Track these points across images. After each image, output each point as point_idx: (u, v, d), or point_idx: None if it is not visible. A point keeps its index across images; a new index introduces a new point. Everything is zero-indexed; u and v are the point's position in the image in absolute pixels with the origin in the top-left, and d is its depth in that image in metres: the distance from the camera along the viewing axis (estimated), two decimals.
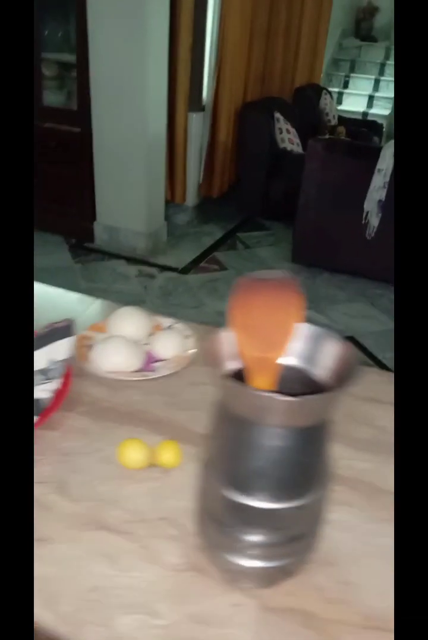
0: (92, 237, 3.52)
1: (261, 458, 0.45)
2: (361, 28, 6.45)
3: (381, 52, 6.29)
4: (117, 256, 3.38)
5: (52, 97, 3.37)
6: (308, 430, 0.44)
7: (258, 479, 0.46)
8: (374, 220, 3.09)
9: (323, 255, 3.39)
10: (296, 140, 4.29)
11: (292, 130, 4.33)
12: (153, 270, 3.26)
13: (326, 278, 3.34)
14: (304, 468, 0.46)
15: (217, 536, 0.51)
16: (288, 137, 4.22)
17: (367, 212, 3.09)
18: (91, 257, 3.35)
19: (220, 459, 0.49)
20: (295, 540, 0.49)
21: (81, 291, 2.99)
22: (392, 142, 3.02)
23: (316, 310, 2.95)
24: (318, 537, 0.53)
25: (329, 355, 0.49)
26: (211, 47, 3.70)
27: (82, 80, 3.14)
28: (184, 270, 3.29)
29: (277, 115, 4.21)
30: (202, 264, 3.41)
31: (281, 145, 4.17)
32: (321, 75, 5.88)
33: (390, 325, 2.88)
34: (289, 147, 4.17)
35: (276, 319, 0.48)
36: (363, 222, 3.12)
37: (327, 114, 5.30)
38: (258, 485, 0.46)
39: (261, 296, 0.49)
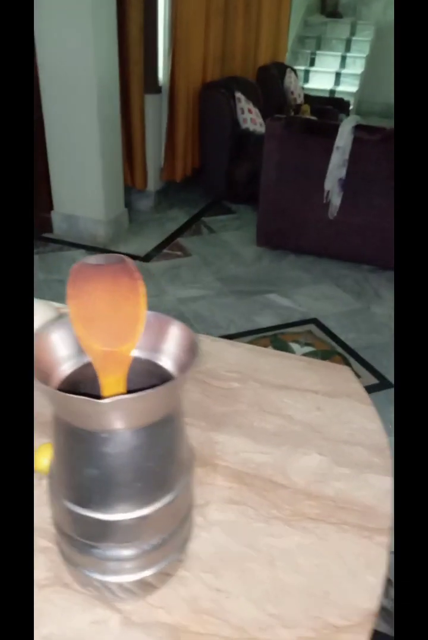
0: (51, 227, 3.43)
1: (95, 466, 0.40)
2: (327, 4, 6.36)
3: (347, 28, 6.22)
4: (77, 245, 3.30)
5: None
6: (145, 430, 0.40)
7: (97, 489, 0.41)
8: (336, 200, 3.05)
9: (288, 237, 3.34)
10: (259, 120, 4.22)
11: (255, 110, 4.26)
12: None
13: (292, 260, 3.30)
14: (147, 472, 0.41)
15: (70, 550, 0.47)
16: (250, 117, 4.15)
17: (328, 192, 3.04)
18: (49, 248, 3.26)
19: (59, 470, 0.44)
20: (153, 550, 0.45)
21: (38, 283, 2.91)
22: (350, 118, 2.97)
23: (280, 294, 2.91)
24: (183, 544, 0.49)
25: (173, 343, 0.44)
26: (165, 26, 3.60)
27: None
28: (147, 258, 3.22)
29: (238, 95, 4.13)
30: (165, 251, 3.35)
31: (244, 126, 4.10)
32: (287, 53, 5.79)
33: (354, 305, 2.86)
34: (252, 127, 4.10)
35: (120, 308, 0.43)
36: (324, 201, 3.08)
37: (292, 93, 5.23)
38: (99, 496, 0.41)
39: (100, 284, 0.44)
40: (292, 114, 4.82)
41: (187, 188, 4.30)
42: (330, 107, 4.94)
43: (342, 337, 2.56)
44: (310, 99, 5.40)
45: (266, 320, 2.66)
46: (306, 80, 6.45)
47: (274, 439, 0.66)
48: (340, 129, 2.92)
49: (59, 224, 3.41)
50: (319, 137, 3.02)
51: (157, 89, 3.69)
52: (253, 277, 3.09)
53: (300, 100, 5.31)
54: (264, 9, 4.83)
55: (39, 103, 3.08)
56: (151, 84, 3.61)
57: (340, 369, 0.80)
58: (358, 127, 2.91)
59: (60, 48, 2.88)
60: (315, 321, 2.68)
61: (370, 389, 2.21)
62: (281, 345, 2.46)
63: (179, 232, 3.61)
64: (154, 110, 3.71)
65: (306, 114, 4.77)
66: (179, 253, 3.32)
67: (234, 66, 4.59)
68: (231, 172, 4.06)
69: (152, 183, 3.88)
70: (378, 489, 0.59)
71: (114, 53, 3.02)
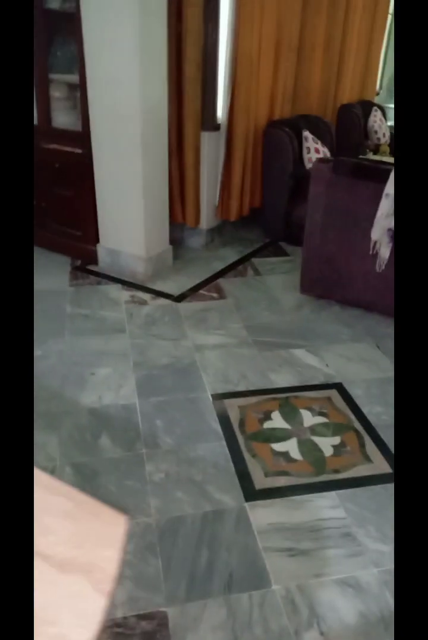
0: (96, 260, 3.47)
1: None
2: None
3: None
4: (116, 280, 3.29)
5: (63, 119, 3.37)
6: None
7: None
8: (384, 251, 2.72)
9: (333, 286, 3.06)
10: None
11: (323, 149, 4.03)
12: (147, 297, 3.12)
13: (335, 312, 3.01)
14: None
15: None
16: (316, 157, 3.92)
17: (375, 242, 2.73)
18: (88, 281, 3.29)
19: None
20: None
21: (63, 315, 2.91)
22: None
23: (309, 350, 2.64)
24: None
25: None
26: (226, 65, 3.52)
27: (84, 101, 3.11)
28: (180, 298, 3.12)
29: (306, 134, 3.95)
30: (201, 291, 3.22)
31: (309, 166, 3.89)
32: (377, 91, 5.49)
33: (391, 372, 2.50)
34: None
35: None
36: (371, 252, 2.77)
37: (376, 132, 4.91)
38: None
39: None
40: (370, 154, 4.51)
41: (246, 226, 4.17)
42: None
43: (365, 410, 2.23)
44: None
45: (282, 379, 2.41)
46: None
47: None
48: (391, 175, 2.61)
49: (103, 258, 3.43)
50: (369, 182, 2.73)
51: (215, 127, 3.61)
52: (285, 327, 2.85)
53: (385, 139, 4.97)
54: (350, 48, 4.60)
55: (89, 136, 3.14)
56: (208, 122, 3.55)
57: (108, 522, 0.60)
58: None
59: (108, 85, 2.92)
60: (338, 386, 2.38)
61: (378, 479, 1.87)
62: (289, 412, 2.20)
63: (223, 272, 3.48)
64: (211, 148, 3.64)
65: (385, 154, 4.43)
66: (214, 295, 3.18)
67: (310, 104, 4.41)
68: (290, 213, 3.85)
69: (205, 220, 3.79)
70: None
71: (162, 91, 3.00)
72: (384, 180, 2.65)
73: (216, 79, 3.50)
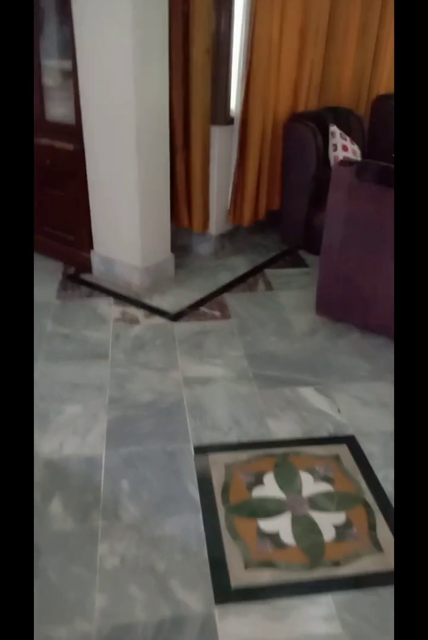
0: (90, 268, 3.14)
1: None
2: None
3: None
4: (110, 293, 2.95)
5: (56, 110, 3.04)
6: None
7: None
8: None
9: (353, 309, 2.63)
10: (357, 159, 3.52)
11: (353, 147, 3.57)
12: (140, 314, 2.77)
13: (354, 340, 2.59)
14: None
15: None
16: (344, 156, 3.48)
17: None
18: (77, 292, 2.96)
19: None
20: None
21: (42, 335, 2.57)
22: None
23: (320, 389, 2.23)
24: None
25: None
26: (241, 50, 3.10)
27: (76, 91, 2.77)
28: (176, 316, 2.75)
29: (333, 129, 3.49)
30: (203, 308, 2.84)
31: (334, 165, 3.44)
32: None
33: None
34: None
35: None
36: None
37: None
38: None
39: None
40: None
41: (262, 231, 3.76)
42: None
43: (380, 475, 1.82)
44: None
45: (283, 428, 2.02)
46: None
47: None
48: None
49: (97, 266, 3.10)
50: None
51: (227, 120, 3.21)
52: (294, 357, 2.45)
53: None
54: (389, 32, 4.08)
55: (81, 131, 2.80)
56: (219, 114, 3.14)
57: None
58: None
59: (101, 73, 2.57)
60: (350, 440, 1.97)
61: (387, 579, 1.47)
62: (286, 474, 1.81)
63: (230, 286, 3.09)
64: (222, 144, 3.24)
65: None
66: (217, 313, 2.80)
67: (340, 95, 3.93)
68: (311, 219, 3.42)
69: (215, 226, 3.40)
70: None
71: (162, 80, 2.61)
72: None
73: (228, 66, 3.08)
